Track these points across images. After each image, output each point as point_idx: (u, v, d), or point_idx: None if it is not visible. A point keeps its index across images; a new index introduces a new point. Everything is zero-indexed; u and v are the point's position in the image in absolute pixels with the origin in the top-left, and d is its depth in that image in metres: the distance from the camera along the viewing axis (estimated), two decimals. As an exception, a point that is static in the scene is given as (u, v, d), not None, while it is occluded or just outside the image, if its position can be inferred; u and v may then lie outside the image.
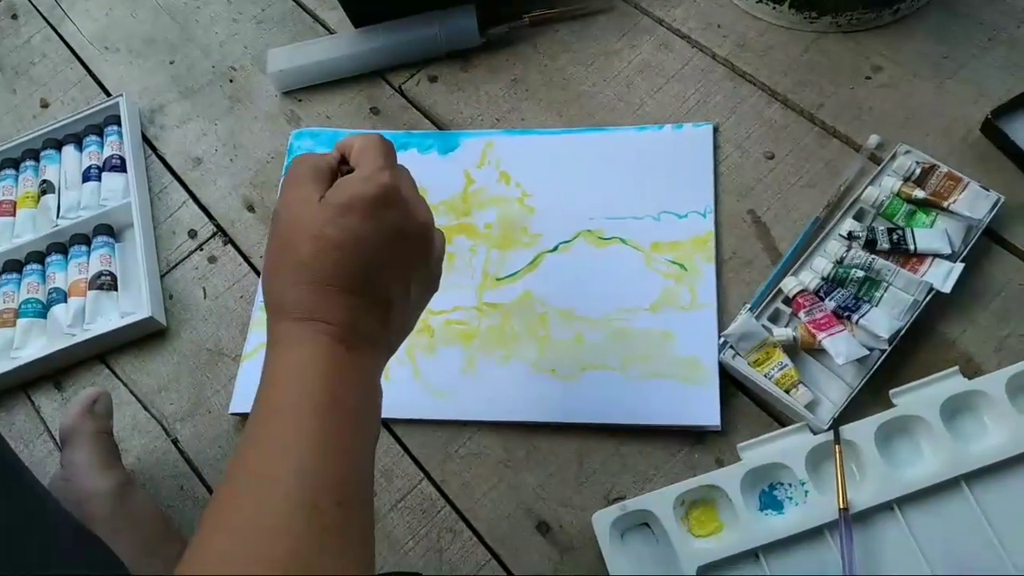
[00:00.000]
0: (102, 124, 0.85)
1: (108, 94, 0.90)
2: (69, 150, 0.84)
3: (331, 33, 0.89)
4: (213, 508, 0.40)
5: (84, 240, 0.78)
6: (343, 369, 0.43)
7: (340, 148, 0.50)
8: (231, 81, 0.88)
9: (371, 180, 0.45)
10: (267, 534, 0.37)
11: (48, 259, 0.77)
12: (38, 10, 0.99)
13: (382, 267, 0.45)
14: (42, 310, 0.74)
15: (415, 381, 0.67)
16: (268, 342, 0.45)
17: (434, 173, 0.77)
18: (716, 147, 0.73)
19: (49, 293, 0.75)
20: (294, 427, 0.41)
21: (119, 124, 0.84)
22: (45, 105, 0.91)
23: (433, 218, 0.49)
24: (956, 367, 0.60)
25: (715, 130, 0.74)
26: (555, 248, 0.71)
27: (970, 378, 0.59)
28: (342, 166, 0.50)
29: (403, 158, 0.77)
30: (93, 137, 0.84)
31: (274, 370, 0.43)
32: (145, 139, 0.86)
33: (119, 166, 0.81)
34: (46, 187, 0.82)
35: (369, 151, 0.48)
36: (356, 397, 0.44)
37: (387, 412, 0.66)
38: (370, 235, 0.44)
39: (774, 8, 0.78)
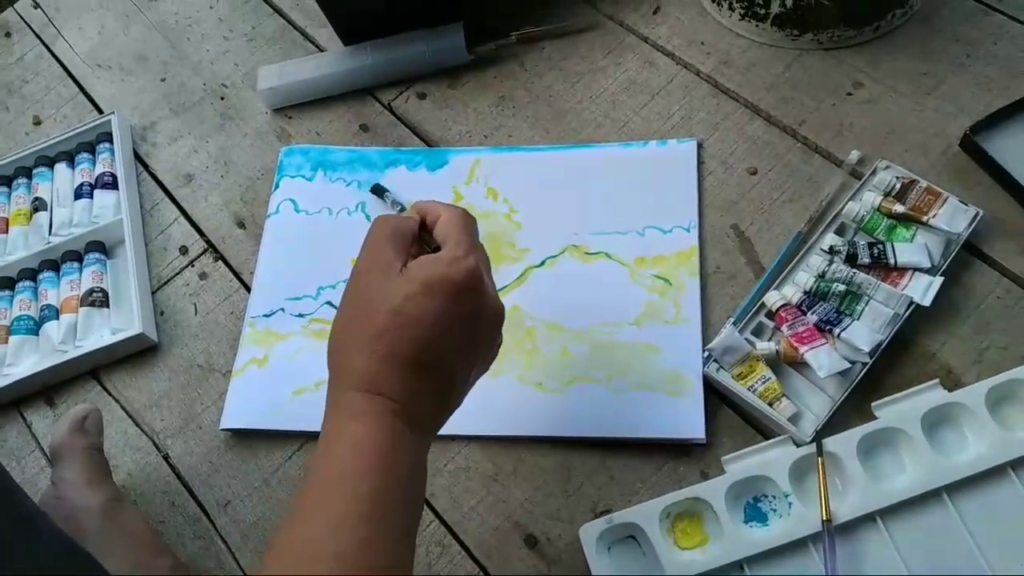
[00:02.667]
0: (94, 141, 0.86)
1: (100, 111, 0.91)
2: (61, 167, 0.85)
3: (321, 51, 0.90)
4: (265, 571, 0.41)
5: (76, 257, 0.78)
6: (402, 449, 0.44)
7: (421, 212, 0.50)
8: (222, 98, 0.89)
9: (458, 264, 0.45)
10: None
11: (40, 276, 0.78)
12: (31, 28, 1.00)
13: (453, 352, 0.46)
14: (34, 327, 0.75)
15: (404, 396, 0.68)
16: (328, 406, 0.45)
17: (423, 190, 0.78)
18: (700, 163, 0.75)
19: (41, 310, 0.76)
20: (348, 505, 0.41)
21: (111, 141, 0.85)
22: (38, 122, 0.92)
23: (503, 305, 0.50)
24: (936, 379, 0.61)
25: (699, 146, 0.75)
26: (542, 263, 0.72)
27: (950, 390, 0.60)
28: (422, 232, 0.50)
29: (392, 175, 0.79)
30: (85, 154, 0.85)
31: (334, 440, 0.44)
32: (137, 156, 0.87)
33: (111, 183, 0.82)
34: (38, 204, 0.82)
35: (457, 228, 0.48)
36: (410, 478, 0.45)
37: (376, 427, 0.67)
38: (449, 320, 0.45)
39: (757, 26, 0.79)
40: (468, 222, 0.49)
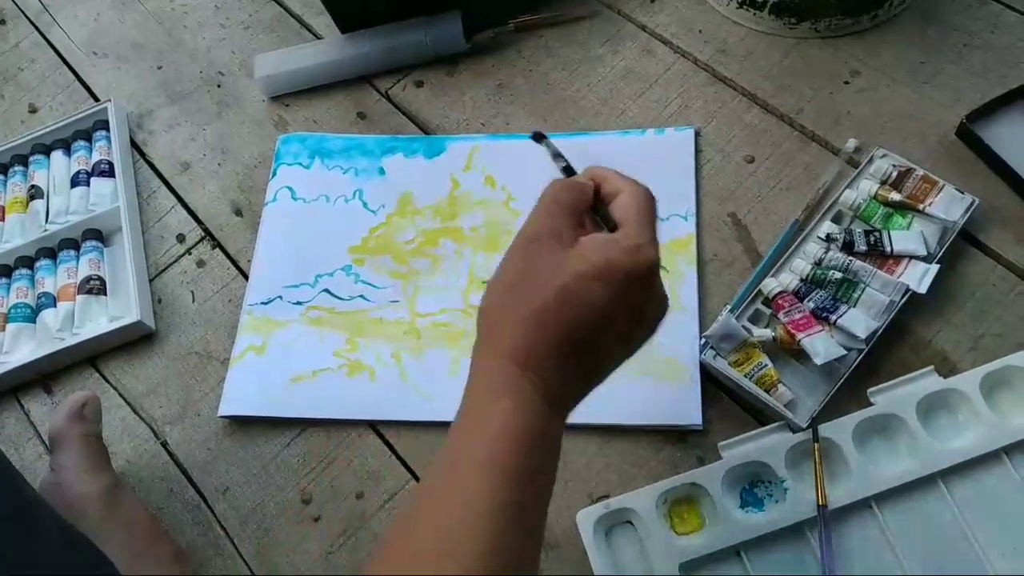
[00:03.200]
0: (90, 129, 0.86)
1: (96, 99, 0.91)
2: (58, 155, 0.85)
3: (318, 39, 0.90)
4: (398, 538, 0.40)
5: (73, 245, 0.78)
6: (544, 432, 0.42)
7: (597, 178, 0.47)
8: (219, 86, 0.89)
9: (638, 254, 0.42)
10: None
11: (37, 264, 0.78)
12: (26, 15, 0.99)
13: (611, 341, 0.44)
14: (31, 315, 0.75)
15: (402, 383, 0.68)
16: (475, 368, 0.43)
17: (420, 177, 0.78)
18: (698, 151, 0.75)
19: (38, 298, 0.75)
20: (491, 486, 0.39)
21: (107, 129, 0.85)
22: (33, 110, 0.92)
23: (667, 299, 0.46)
24: (932, 366, 0.61)
25: (696, 134, 0.75)
26: (540, 251, 0.72)
27: (945, 377, 0.61)
28: (597, 202, 0.47)
29: (389, 162, 0.78)
30: (81, 142, 0.85)
31: (482, 413, 0.41)
32: (133, 144, 0.87)
33: (107, 171, 0.82)
34: (35, 192, 0.82)
35: (640, 212, 0.45)
36: (548, 462, 0.43)
37: (375, 414, 0.68)
38: (615, 310, 0.42)
39: (754, 14, 0.79)
40: (651, 205, 0.46)
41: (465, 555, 0.37)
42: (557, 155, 0.52)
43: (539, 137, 0.56)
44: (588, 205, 0.46)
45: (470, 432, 0.42)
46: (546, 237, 0.43)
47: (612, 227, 0.45)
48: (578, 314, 0.41)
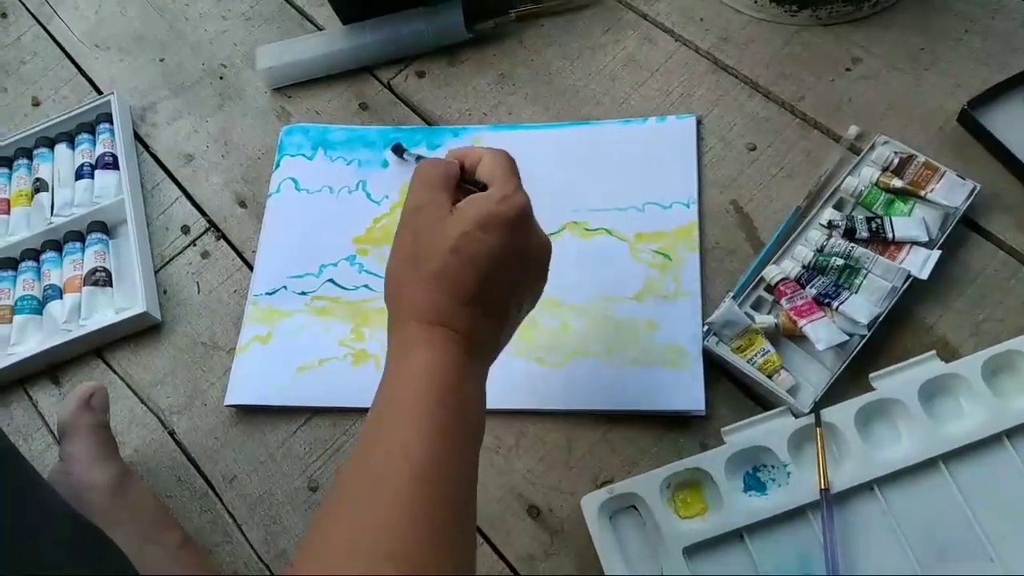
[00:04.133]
0: (94, 122, 0.86)
1: (99, 92, 0.91)
2: (62, 148, 0.85)
3: (320, 30, 0.90)
4: (335, 501, 0.42)
5: (79, 237, 0.79)
6: (467, 377, 0.46)
7: (459, 157, 0.52)
8: (221, 78, 0.89)
9: (509, 201, 0.47)
10: (386, 533, 0.39)
11: (43, 256, 0.78)
12: (27, 8, 0.99)
13: (508, 286, 0.48)
14: (38, 306, 0.75)
15: (407, 371, 0.68)
16: (391, 339, 0.47)
17: (423, 167, 0.78)
18: (699, 139, 0.75)
19: (45, 290, 0.76)
20: (419, 430, 0.42)
21: (111, 122, 0.85)
22: (36, 103, 0.92)
23: (550, 240, 0.52)
24: (933, 351, 0.61)
25: (698, 122, 0.76)
26: (543, 240, 0.73)
27: (947, 362, 0.61)
28: (463, 175, 0.51)
29: (391, 154, 0.79)
30: (85, 135, 0.85)
31: (400, 369, 0.45)
32: (137, 137, 0.87)
33: (111, 164, 0.82)
34: (40, 185, 0.82)
35: (502, 168, 0.50)
36: (475, 404, 0.47)
37: (380, 402, 0.68)
38: (504, 255, 0.46)
39: (755, 2, 0.79)
40: (512, 162, 0.51)
41: (402, 477, 0.40)
42: (420, 157, 0.58)
43: (399, 150, 0.58)
44: (456, 177, 0.50)
45: (391, 385, 0.45)
46: (427, 210, 0.47)
47: (482, 189, 0.50)
48: (472, 268, 0.46)
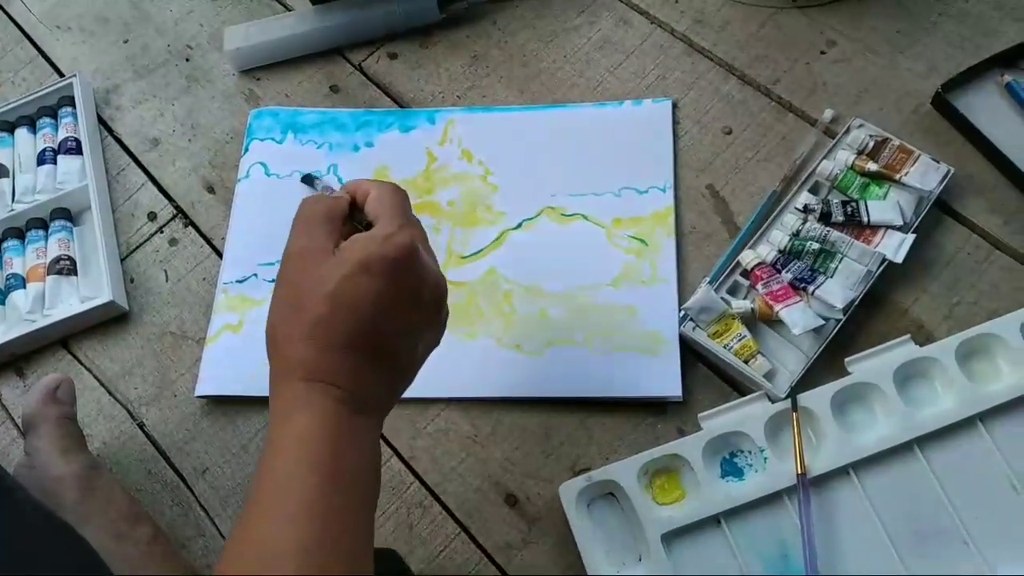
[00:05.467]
0: (55, 106, 0.83)
1: (61, 74, 0.88)
2: (22, 132, 0.82)
3: (288, 10, 0.88)
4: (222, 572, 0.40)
5: (41, 224, 0.76)
6: (349, 436, 0.43)
7: (351, 191, 0.49)
8: (187, 60, 0.87)
9: (391, 241, 0.44)
10: None
11: (4, 244, 0.76)
12: (-16, -12, 0.96)
13: (396, 331, 0.45)
14: (0, 297, 0.73)
15: (381, 360, 0.67)
16: (272, 398, 0.44)
17: (396, 151, 0.77)
18: (675, 123, 0.74)
19: (7, 279, 0.74)
20: (300, 500, 0.40)
21: (73, 105, 0.82)
22: (-5, 86, 0.89)
23: (443, 275, 0.48)
24: (908, 335, 0.62)
25: (674, 106, 0.75)
26: (519, 225, 0.72)
27: (921, 345, 0.61)
28: (354, 211, 0.48)
29: (363, 137, 0.77)
30: (47, 119, 0.82)
31: (280, 435, 0.42)
32: (101, 120, 0.84)
33: (75, 148, 0.80)
34: (0, 171, 0.80)
35: (387, 204, 0.47)
36: (361, 463, 0.44)
37: (354, 391, 0.67)
38: (388, 298, 0.43)
39: (731, -17, 0.79)
40: (399, 196, 0.48)
41: (287, 554, 0.38)
42: (328, 189, 0.55)
43: (309, 180, 0.57)
44: (342, 214, 0.47)
45: (270, 455, 0.42)
46: (308, 251, 0.45)
47: (368, 226, 0.47)
48: (353, 314, 0.43)
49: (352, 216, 0.49)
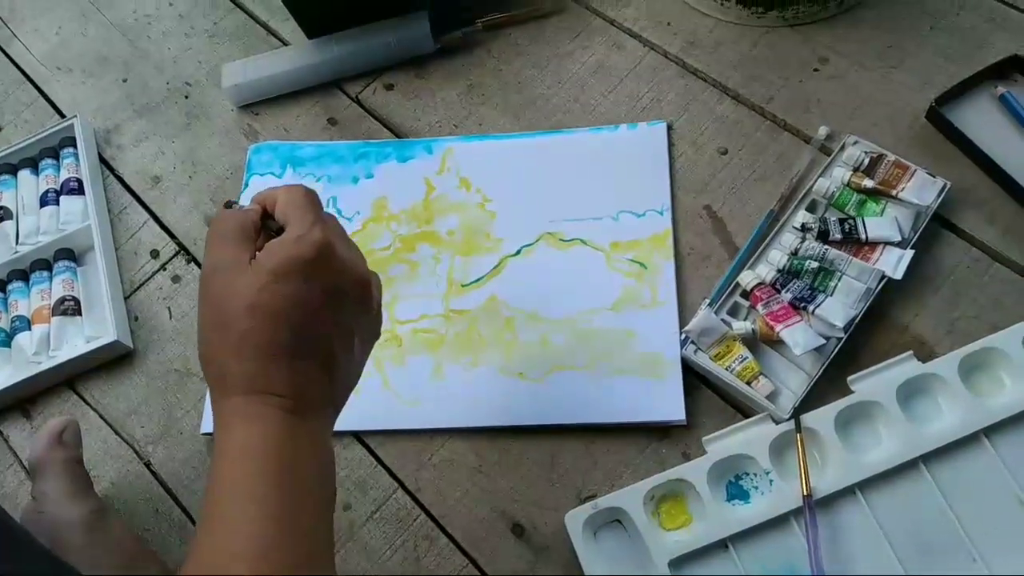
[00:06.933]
0: (57, 146, 0.84)
1: (62, 115, 0.89)
2: (25, 174, 0.83)
3: (285, 45, 0.89)
4: None
5: (45, 266, 0.77)
6: (295, 440, 0.43)
7: (261, 201, 0.49)
8: (186, 97, 0.88)
9: (304, 240, 0.44)
10: None
11: (9, 287, 0.77)
12: (-15, 31, 0.98)
13: (324, 328, 0.45)
14: (5, 339, 0.74)
15: (385, 392, 0.68)
16: (215, 417, 0.44)
17: (394, 182, 0.77)
18: (671, 145, 0.75)
19: (12, 321, 0.74)
20: (253, 510, 0.40)
21: (75, 146, 0.83)
22: (-2, 129, 0.90)
23: (366, 266, 0.48)
24: (910, 351, 0.61)
25: (669, 128, 0.75)
26: (518, 252, 0.72)
27: (924, 361, 0.61)
28: (266, 220, 0.48)
29: (361, 168, 0.78)
30: (49, 160, 0.83)
31: (225, 449, 0.42)
32: (102, 160, 0.85)
33: (77, 189, 0.81)
34: (3, 213, 0.81)
35: (296, 206, 0.46)
36: (310, 466, 0.44)
37: (359, 424, 0.67)
38: (308, 298, 0.43)
39: (722, 4, 0.79)
40: (308, 197, 0.47)
41: (239, 566, 0.38)
42: (241, 207, 0.52)
43: (228, 204, 0.56)
44: (256, 226, 0.47)
45: (215, 471, 0.42)
46: (223, 266, 0.44)
47: (280, 231, 0.47)
48: (277, 322, 0.43)
49: (265, 226, 0.48)
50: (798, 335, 0.62)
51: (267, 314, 0.43)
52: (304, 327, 0.43)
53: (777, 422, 0.61)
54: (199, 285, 0.46)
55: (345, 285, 0.46)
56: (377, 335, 0.50)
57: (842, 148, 0.70)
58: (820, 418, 0.60)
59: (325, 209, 0.75)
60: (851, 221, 0.66)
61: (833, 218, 0.67)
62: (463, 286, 0.72)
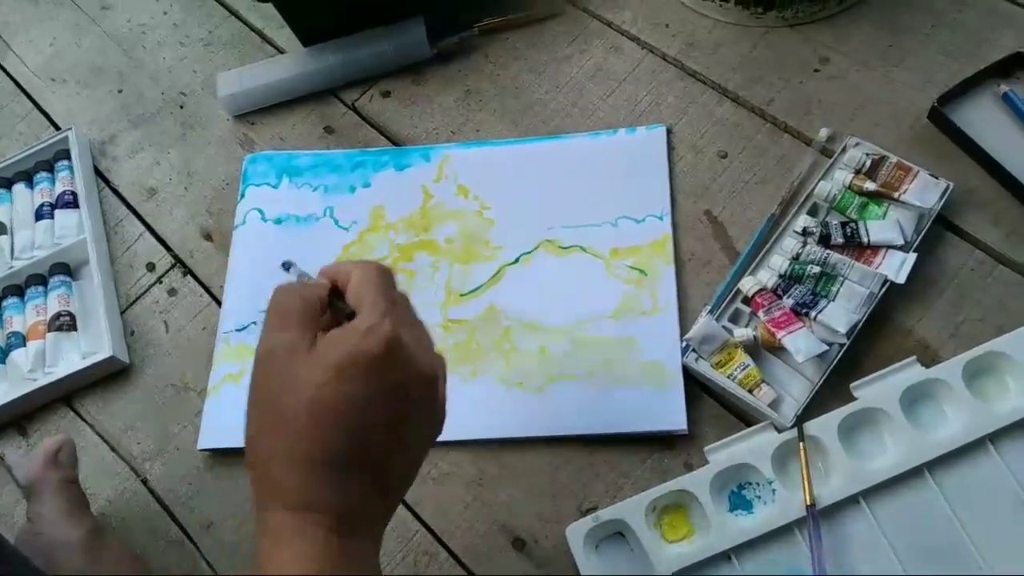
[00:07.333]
0: (52, 159, 0.84)
1: (57, 127, 0.89)
2: (20, 188, 0.83)
3: (281, 53, 0.88)
4: None
5: (41, 280, 0.76)
6: (344, 562, 0.40)
7: (331, 276, 0.45)
8: (182, 107, 0.87)
9: (372, 334, 0.40)
10: None
11: (4, 303, 0.76)
12: (-21, 44, 0.97)
13: (385, 436, 0.41)
14: (1, 355, 0.73)
15: (383, 403, 0.67)
16: (257, 522, 0.41)
17: (392, 190, 0.77)
18: (670, 149, 0.74)
19: (8, 337, 0.74)
20: None
21: (69, 159, 0.83)
22: (-8, 142, 0.90)
23: (433, 352, 0.44)
24: (914, 356, 0.61)
25: (668, 132, 0.74)
26: (516, 260, 0.71)
27: (928, 366, 0.60)
28: (333, 299, 0.45)
29: (358, 177, 0.77)
30: (44, 173, 0.83)
31: (267, 567, 0.40)
32: (97, 172, 0.85)
33: (72, 202, 0.80)
34: (-1, 228, 0.80)
35: (367, 289, 0.42)
36: None
37: (357, 437, 0.66)
38: (372, 400, 0.40)
39: (721, 5, 0.78)
40: (381, 279, 0.43)
41: None
42: (303, 275, 0.49)
43: (286, 265, 0.54)
44: (320, 303, 0.43)
45: None
46: (281, 350, 0.41)
47: (351, 315, 0.43)
48: (335, 426, 0.39)
49: (332, 304, 0.44)
50: (800, 342, 0.61)
51: (324, 416, 0.39)
52: (363, 434, 0.40)
53: (780, 430, 0.60)
54: (253, 366, 0.42)
55: (412, 385, 0.42)
56: (439, 430, 0.46)
57: (843, 150, 0.69)
58: (823, 426, 0.59)
59: (319, 219, 0.76)
60: (853, 224, 0.65)
61: (835, 222, 0.66)
62: (462, 295, 0.71)
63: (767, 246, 0.67)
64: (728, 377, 0.62)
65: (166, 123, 0.86)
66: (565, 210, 0.73)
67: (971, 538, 0.56)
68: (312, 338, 0.41)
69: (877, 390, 0.60)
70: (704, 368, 0.63)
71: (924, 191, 0.66)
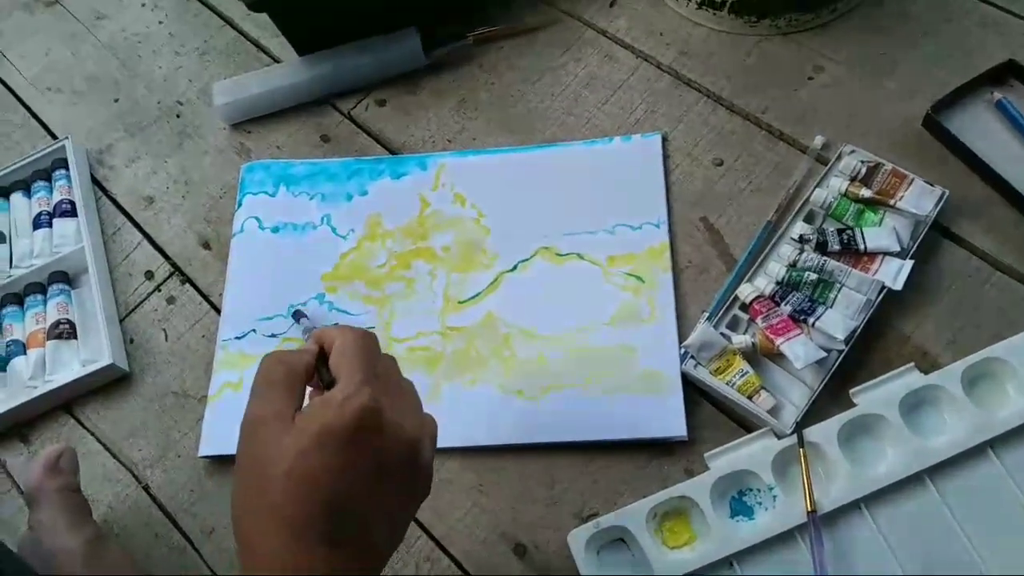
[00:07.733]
0: (49, 168, 0.84)
1: (54, 137, 0.89)
2: (17, 197, 0.83)
3: (276, 62, 0.88)
4: None
5: (39, 289, 0.76)
6: None
7: (319, 339, 0.46)
8: (178, 116, 0.87)
9: (347, 404, 0.40)
10: None
11: (3, 311, 0.76)
12: (-25, 54, 0.97)
13: (366, 503, 0.41)
14: (1, 364, 0.73)
15: (383, 411, 0.67)
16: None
17: (388, 199, 0.77)
18: (666, 156, 0.74)
19: (7, 346, 0.74)
20: None
21: (67, 168, 0.83)
22: (-11, 152, 0.90)
23: (420, 417, 0.45)
24: (912, 363, 0.61)
25: (664, 139, 0.75)
26: (514, 267, 0.72)
27: (926, 372, 0.61)
28: (319, 365, 0.45)
29: (354, 186, 0.77)
30: (41, 183, 0.83)
31: None
32: (95, 181, 0.85)
33: (70, 211, 0.80)
34: (-4, 238, 0.80)
35: (347, 358, 0.43)
36: None
37: (357, 445, 0.66)
38: (349, 469, 0.40)
39: (714, 14, 0.79)
40: (361, 346, 0.44)
41: None
42: (308, 331, 0.50)
43: (297, 315, 0.53)
44: (305, 371, 0.44)
45: None
46: (267, 418, 0.41)
47: (330, 384, 0.44)
48: (314, 496, 0.40)
49: (319, 372, 0.45)
50: (799, 348, 0.61)
51: (304, 485, 0.39)
52: (342, 502, 0.40)
53: (779, 437, 0.60)
54: (239, 432, 0.43)
55: (391, 452, 0.42)
56: (427, 492, 0.46)
57: (839, 158, 0.70)
58: (823, 432, 0.59)
59: (316, 227, 0.76)
60: (849, 231, 0.66)
61: (831, 229, 0.66)
62: (460, 303, 0.71)
63: (764, 253, 0.67)
64: (727, 384, 0.62)
65: (163, 132, 0.86)
66: (562, 218, 0.73)
67: (972, 543, 0.56)
68: (295, 408, 0.42)
69: (876, 396, 0.60)
70: (703, 375, 0.63)
71: (920, 198, 0.66)
